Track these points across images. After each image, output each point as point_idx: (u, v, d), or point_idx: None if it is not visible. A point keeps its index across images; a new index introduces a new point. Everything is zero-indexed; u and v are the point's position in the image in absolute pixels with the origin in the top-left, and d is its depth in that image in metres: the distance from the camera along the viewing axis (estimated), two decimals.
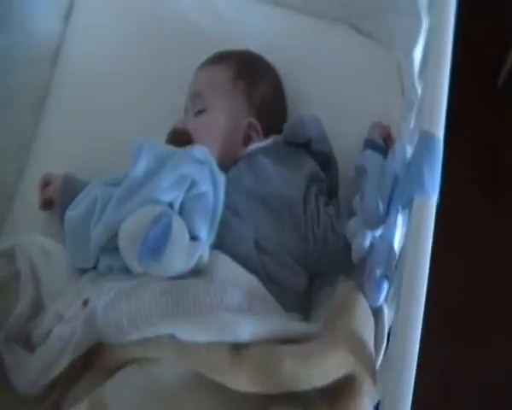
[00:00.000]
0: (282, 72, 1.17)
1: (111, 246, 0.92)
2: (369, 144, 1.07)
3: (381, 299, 0.85)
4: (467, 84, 1.60)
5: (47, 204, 1.10)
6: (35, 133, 1.20)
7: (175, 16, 1.27)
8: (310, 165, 1.03)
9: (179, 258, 0.87)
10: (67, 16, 1.30)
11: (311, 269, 0.98)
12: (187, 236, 0.88)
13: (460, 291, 1.66)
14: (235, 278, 0.90)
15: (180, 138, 1.03)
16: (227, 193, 0.96)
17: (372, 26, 1.25)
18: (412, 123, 1.07)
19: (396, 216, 0.83)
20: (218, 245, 0.93)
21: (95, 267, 0.98)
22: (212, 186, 0.93)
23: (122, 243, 0.88)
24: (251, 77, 1.10)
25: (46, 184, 1.10)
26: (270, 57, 1.17)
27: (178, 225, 0.88)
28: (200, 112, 1.07)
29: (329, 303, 0.89)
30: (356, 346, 0.77)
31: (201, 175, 0.93)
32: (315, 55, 1.23)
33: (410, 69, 1.11)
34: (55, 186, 1.08)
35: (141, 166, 0.93)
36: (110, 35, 1.27)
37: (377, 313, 0.86)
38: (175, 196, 0.91)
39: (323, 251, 0.97)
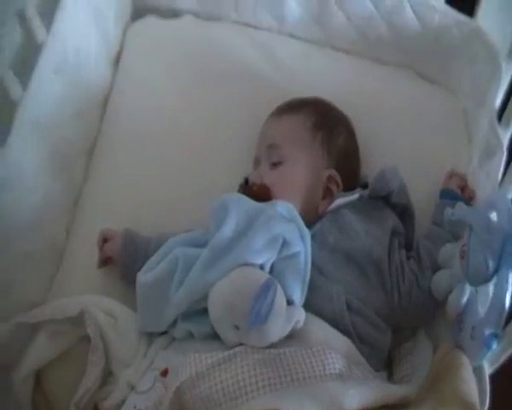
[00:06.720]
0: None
1: (193, 311, 0.87)
2: (449, 195, 1.06)
3: (484, 358, 0.84)
4: None
5: (104, 262, 1.06)
6: (84, 188, 1.16)
7: (235, 66, 1.24)
8: (392, 218, 1.01)
9: (280, 325, 0.82)
10: (116, 60, 1.27)
11: (394, 325, 0.96)
12: (285, 301, 0.83)
13: None
14: (330, 342, 0.86)
15: (258, 194, 0.99)
16: (311, 250, 0.92)
17: (436, 71, 1.25)
18: (495, 171, 1.02)
19: (508, 274, 0.79)
20: (305, 306, 0.89)
21: (164, 332, 0.95)
22: (303, 246, 0.89)
23: (217, 310, 0.83)
24: (329, 126, 1.07)
25: (105, 240, 1.06)
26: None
27: (279, 292, 0.83)
28: (277, 164, 1.04)
29: (412, 360, 0.94)
30: (467, 408, 0.76)
31: (292, 234, 0.89)
32: (379, 102, 1.21)
33: (488, 115, 1.08)
34: (116, 243, 1.04)
35: (230, 226, 0.87)
36: (163, 83, 1.23)
37: (479, 371, 0.84)
38: (268, 257, 0.86)
39: (408, 306, 0.95)
